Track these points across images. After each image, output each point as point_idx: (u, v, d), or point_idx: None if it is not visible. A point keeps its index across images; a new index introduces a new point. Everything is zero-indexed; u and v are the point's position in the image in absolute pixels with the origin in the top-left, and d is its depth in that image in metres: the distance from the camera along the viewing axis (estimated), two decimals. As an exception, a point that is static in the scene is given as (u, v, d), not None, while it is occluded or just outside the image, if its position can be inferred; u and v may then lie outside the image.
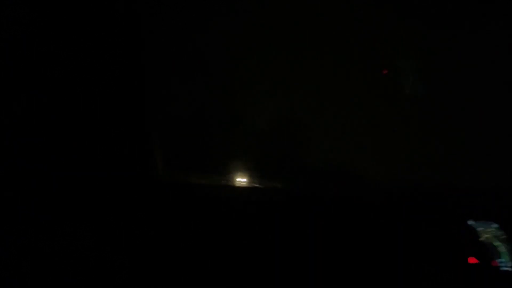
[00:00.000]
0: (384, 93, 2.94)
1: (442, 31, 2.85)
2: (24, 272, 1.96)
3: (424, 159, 2.69)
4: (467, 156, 2.63)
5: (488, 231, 2.22)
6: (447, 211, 2.39)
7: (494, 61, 2.71)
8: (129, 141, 2.87)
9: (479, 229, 2.24)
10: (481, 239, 2.20)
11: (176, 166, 2.91)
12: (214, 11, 3.07)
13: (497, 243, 2.16)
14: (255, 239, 2.23)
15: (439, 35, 2.86)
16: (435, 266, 2.16)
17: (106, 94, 2.96)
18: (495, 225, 2.23)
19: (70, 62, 2.94)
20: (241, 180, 2.91)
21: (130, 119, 2.98)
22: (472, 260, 2.15)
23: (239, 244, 2.20)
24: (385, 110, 2.90)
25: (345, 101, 3.01)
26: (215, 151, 2.98)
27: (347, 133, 2.97)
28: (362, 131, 2.92)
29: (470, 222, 2.28)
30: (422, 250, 2.21)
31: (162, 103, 3.00)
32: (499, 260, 2.11)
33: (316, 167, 2.94)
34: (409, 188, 2.58)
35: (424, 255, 2.20)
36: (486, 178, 2.53)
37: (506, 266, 2.09)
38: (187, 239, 2.20)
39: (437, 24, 2.87)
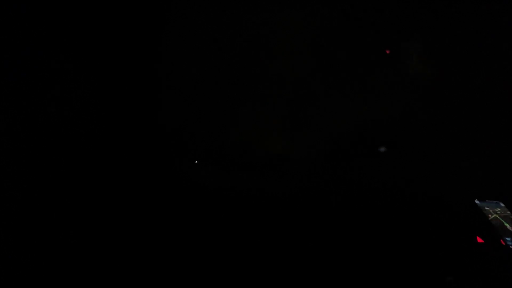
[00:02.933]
0: (387, 72, 2.89)
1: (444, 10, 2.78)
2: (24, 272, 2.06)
3: (429, 138, 2.66)
4: (472, 136, 2.59)
5: (495, 211, 2.20)
6: (454, 191, 2.38)
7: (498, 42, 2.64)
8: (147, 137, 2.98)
9: (487, 208, 2.22)
10: (489, 218, 2.19)
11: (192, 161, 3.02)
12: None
13: (504, 222, 2.15)
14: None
15: (441, 15, 2.79)
16: (442, 245, 2.16)
17: (125, 92, 3.09)
18: (502, 205, 2.21)
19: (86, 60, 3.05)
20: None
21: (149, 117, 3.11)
22: (479, 239, 2.14)
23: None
24: (389, 90, 2.86)
25: (349, 81, 2.98)
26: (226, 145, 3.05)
27: (351, 114, 2.95)
28: (365, 110, 2.89)
29: (477, 201, 2.27)
30: (429, 230, 2.22)
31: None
32: (507, 239, 2.10)
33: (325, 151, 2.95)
34: (416, 167, 2.56)
35: (431, 235, 2.21)
36: (492, 158, 2.49)
37: (513, 245, 2.08)
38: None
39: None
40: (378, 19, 2.90)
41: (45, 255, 2.15)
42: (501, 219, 2.17)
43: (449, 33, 2.75)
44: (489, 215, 2.21)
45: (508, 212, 2.19)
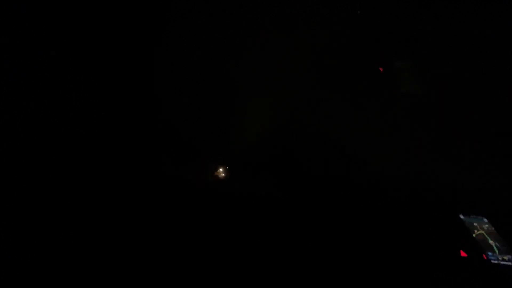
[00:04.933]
0: (381, 90, 2.93)
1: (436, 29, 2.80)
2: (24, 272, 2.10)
3: (418, 154, 2.71)
4: (461, 152, 2.65)
5: (480, 226, 2.28)
6: (441, 206, 2.44)
7: (487, 59, 2.67)
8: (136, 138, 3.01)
9: (472, 223, 2.30)
10: (473, 234, 2.27)
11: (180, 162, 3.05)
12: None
13: (488, 238, 2.23)
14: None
15: (433, 34, 2.82)
16: (427, 259, 2.23)
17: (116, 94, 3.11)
18: (486, 220, 2.28)
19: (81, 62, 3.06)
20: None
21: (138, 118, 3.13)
22: (463, 253, 2.22)
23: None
24: (382, 106, 2.90)
25: (344, 98, 3.02)
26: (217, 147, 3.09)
27: (345, 129, 2.99)
28: (359, 127, 2.93)
29: (462, 217, 2.34)
30: (413, 243, 2.29)
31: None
32: (489, 253, 2.18)
33: (318, 162, 3.00)
34: (403, 182, 2.61)
35: (417, 248, 2.27)
36: (479, 174, 2.55)
37: (495, 260, 2.16)
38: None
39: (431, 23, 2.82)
40: (372, 36, 2.93)
41: (45, 254, 2.20)
42: (485, 235, 2.25)
43: (442, 51, 2.78)
44: (475, 230, 2.28)
45: (492, 228, 2.27)
